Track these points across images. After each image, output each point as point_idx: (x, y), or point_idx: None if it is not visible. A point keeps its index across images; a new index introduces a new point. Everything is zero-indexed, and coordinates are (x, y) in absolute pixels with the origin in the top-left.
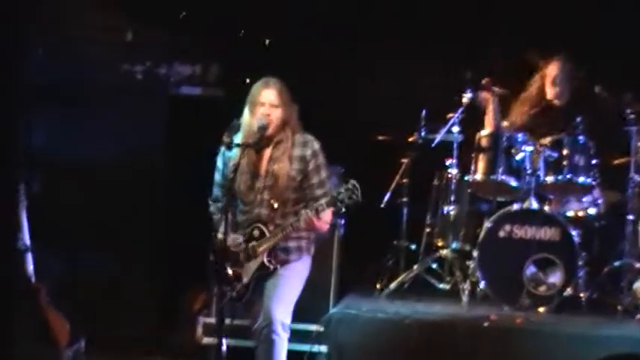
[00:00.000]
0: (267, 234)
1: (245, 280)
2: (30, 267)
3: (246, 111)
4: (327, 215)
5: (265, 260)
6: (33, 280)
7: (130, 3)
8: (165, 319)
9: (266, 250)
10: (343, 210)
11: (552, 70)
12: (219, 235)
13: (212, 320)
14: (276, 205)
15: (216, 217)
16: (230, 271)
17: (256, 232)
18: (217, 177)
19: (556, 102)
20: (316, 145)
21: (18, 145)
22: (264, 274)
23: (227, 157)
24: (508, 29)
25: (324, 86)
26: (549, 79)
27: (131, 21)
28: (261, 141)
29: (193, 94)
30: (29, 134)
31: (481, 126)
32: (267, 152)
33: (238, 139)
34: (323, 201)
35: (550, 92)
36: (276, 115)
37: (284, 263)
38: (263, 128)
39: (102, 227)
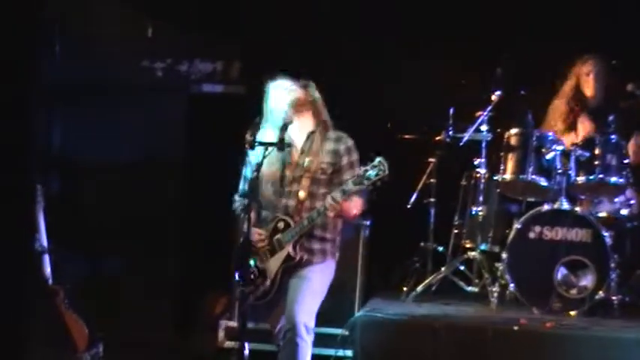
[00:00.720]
0: (293, 225)
1: (270, 275)
2: (47, 269)
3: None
4: (355, 199)
5: (291, 251)
6: (50, 282)
7: None
8: (185, 323)
9: (292, 240)
10: (371, 188)
11: (589, 67)
12: (244, 231)
13: (234, 324)
14: (303, 196)
15: (241, 214)
16: (254, 269)
17: (281, 225)
18: (244, 172)
19: (592, 101)
20: (350, 142)
21: (35, 144)
22: (290, 268)
23: (253, 155)
24: (540, 25)
25: (348, 84)
26: (587, 77)
27: (151, 17)
28: (284, 140)
29: (215, 92)
30: (47, 133)
31: (510, 125)
32: (299, 145)
33: (261, 137)
34: (349, 181)
35: (588, 89)
36: (304, 119)
37: (308, 264)
38: (285, 127)
39: (121, 228)
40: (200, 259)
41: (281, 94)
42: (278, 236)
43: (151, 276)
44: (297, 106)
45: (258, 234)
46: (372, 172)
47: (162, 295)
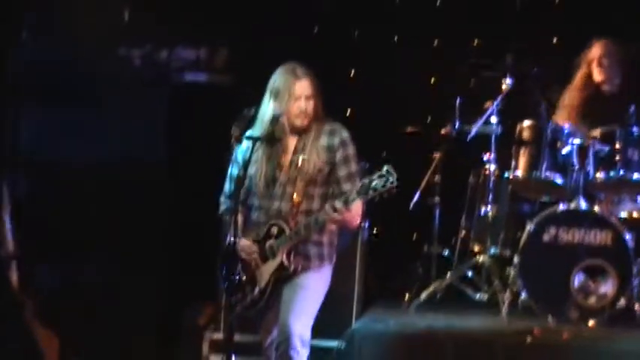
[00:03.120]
0: (287, 231)
1: (260, 284)
2: (14, 278)
3: (270, 102)
4: (357, 207)
5: (284, 260)
6: (18, 292)
7: None
8: (168, 335)
9: (285, 248)
10: (377, 199)
11: (596, 51)
12: (230, 238)
13: (220, 335)
14: (298, 199)
15: (228, 217)
16: (243, 276)
17: (274, 230)
18: (230, 171)
19: (605, 88)
20: (345, 134)
21: (1, 143)
22: (283, 277)
23: (240, 154)
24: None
25: (344, 73)
26: (594, 62)
27: None
28: (274, 133)
29: (199, 82)
30: (13, 129)
31: (522, 116)
32: (292, 142)
33: (251, 131)
34: (353, 190)
35: (597, 74)
36: (311, 107)
37: (303, 271)
38: (275, 119)
39: (97, 234)
40: (184, 266)
41: (307, 86)
42: (271, 242)
43: (131, 285)
44: (308, 102)
45: (247, 247)
46: (378, 183)
47: (143, 305)
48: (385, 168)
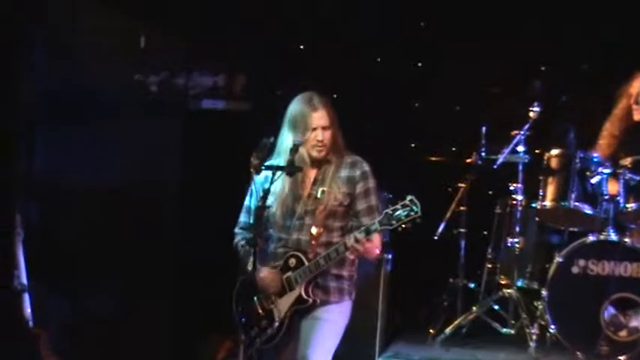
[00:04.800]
0: (306, 263)
1: (279, 317)
2: (28, 309)
3: (288, 133)
4: (377, 237)
5: (303, 293)
6: (31, 324)
7: (143, 3)
8: None
9: (304, 281)
10: (400, 229)
11: (635, 87)
12: (248, 268)
13: None
14: (317, 231)
15: (243, 249)
16: (260, 309)
17: (292, 261)
18: (248, 202)
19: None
20: (366, 167)
21: (14, 169)
22: (302, 311)
23: (259, 185)
24: (583, 34)
25: (366, 99)
26: (633, 98)
27: (144, 24)
28: (294, 162)
29: (215, 109)
30: (28, 156)
31: (550, 145)
32: (311, 174)
33: (270, 161)
34: (376, 220)
35: (636, 112)
36: (328, 137)
37: (322, 304)
38: (296, 148)
39: (111, 263)
40: (199, 298)
41: (324, 116)
42: (289, 274)
43: (144, 316)
44: (326, 132)
45: (269, 272)
46: (401, 212)
47: (157, 337)
48: (409, 198)
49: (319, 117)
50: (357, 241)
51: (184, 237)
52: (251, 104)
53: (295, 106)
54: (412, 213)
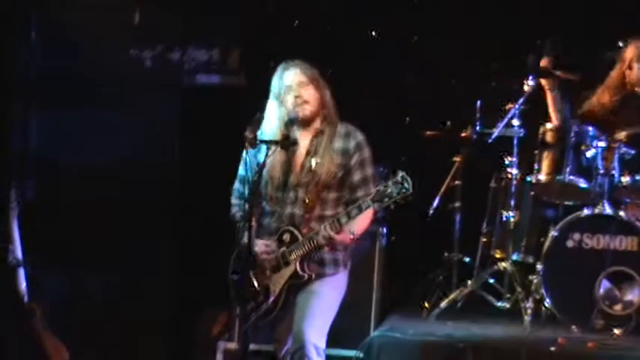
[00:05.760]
0: (300, 238)
1: (274, 292)
2: (22, 284)
3: (270, 104)
4: (367, 214)
5: (298, 268)
6: (26, 299)
7: None
8: (179, 344)
9: (300, 256)
10: (392, 207)
11: (630, 52)
12: (243, 242)
13: (234, 345)
14: (311, 204)
15: (239, 223)
16: (256, 284)
17: (287, 237)
18: (242, 171)
19: (638, 89)
20: (360, 136)
21: (9, 146)
22: (297, 285)
23: (252, 159)
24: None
25: (362, 74)
26: (627, 63)
27: None
28: (289, 137)
29: (211, 84)
30: (23, 132)
31: (545, 118)
32: (305, 143)
33: (265, 132)
34: (368, 197)
35: (629, 76)
36: (309, 94)
37: (318, 277)
38: (292, 122)
39: (107, 239)
40: (196, 273)
41: (297, 73)
42: (283, 249)
43: (141, 292)
44: (304, 89)
45: (265, 245)
46: (393, 190)
47: (153, 313)
48: (400, 175)
49: (293, 74)
50: (349, 217)
51: (181, 212)
52: (246, 78)
53: (273, 76)
54: (404, 190)
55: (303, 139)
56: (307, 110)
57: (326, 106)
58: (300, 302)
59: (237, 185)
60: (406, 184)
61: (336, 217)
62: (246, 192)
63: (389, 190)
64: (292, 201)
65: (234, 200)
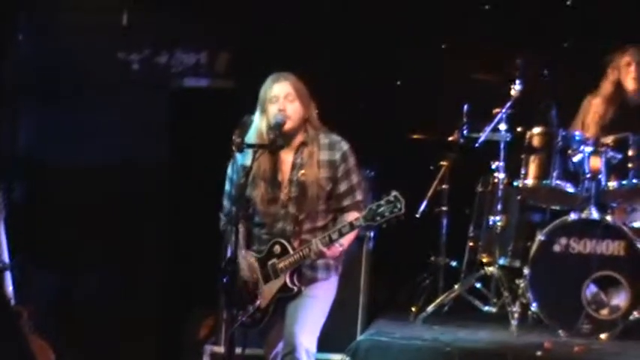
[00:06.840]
0: (291, 250)
1: (263, 303)
2: (9, 287)
3: (257, 112)
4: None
5: (288, 281)
6: (13, 302)
7: None
8: (167, 347)
9: (289, 268)
10: (384, 226)
11: (627, 58)
12: (232, 248)
13: (220, 349)
14: (301, 219)
15: (228, 232)
16: (245, 293)
17: (277, 248)
18: (228, 187)
19: (635, 97)
20: (345, 147)
21: None
22: (287, 297)
23: (239, 164)
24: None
25: (349, 79)
26: (625, 68)
27: (126, 1)
28: (276, 141)
29: (199, 87)
30: (11, 132)
31: (532, 123)
32: (289, 157)
33: (251, 139)
34: (361, 217)
35: (630, 82)
36: (294, 109)
37: (310, 282)
38: (278, 126)
39: (95, 241)
40: (184, 275)
41: (285, 85)
42: (274, 261)
43: (129, 294)
44: (289, 103)
45: (249, 267)
46: (385, 209)
47: (141, 315)
48: (393, 194)
49: (281, 87)
50: (341, 234)
51: (169, 215)
52: (234, 82)
53: (263, 85)
54: (396, 210)
55: (287, 154)
56: (288, 125)
57: (309, 120)
58: (292, 306)
59: (225, 202)
60: (398, 204)
61: (327, 234)
62: (231, 206)
63: (381, 209)
64: (283, 217)
65: (221, 215)
